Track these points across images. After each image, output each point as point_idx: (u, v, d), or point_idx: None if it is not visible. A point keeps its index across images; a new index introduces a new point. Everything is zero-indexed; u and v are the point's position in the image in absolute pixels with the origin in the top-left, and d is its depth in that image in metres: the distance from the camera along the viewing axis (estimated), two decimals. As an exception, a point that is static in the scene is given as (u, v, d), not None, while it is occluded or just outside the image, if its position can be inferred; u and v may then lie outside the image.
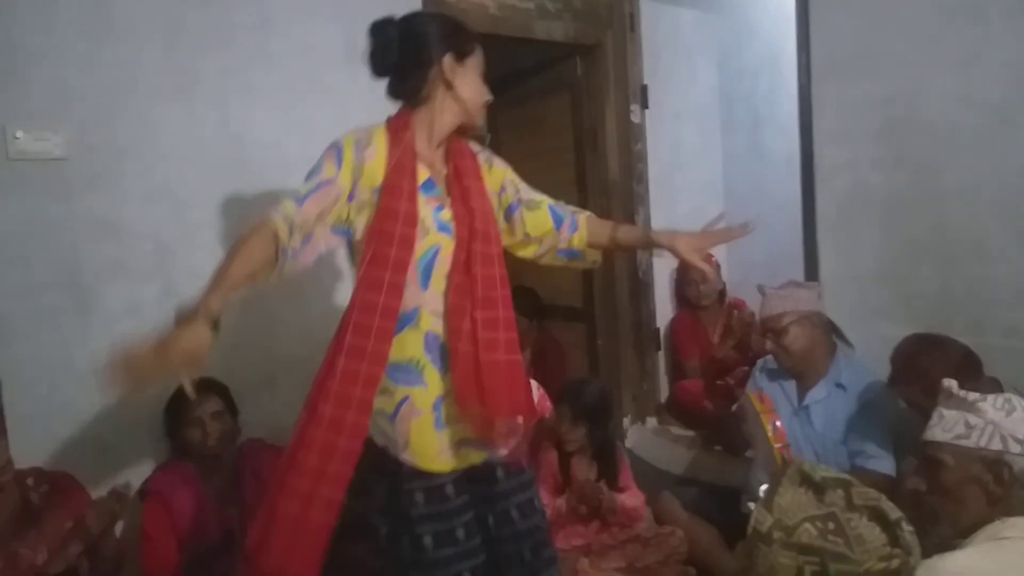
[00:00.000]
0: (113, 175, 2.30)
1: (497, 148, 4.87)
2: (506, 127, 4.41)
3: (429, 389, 1.62)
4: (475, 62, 1.72)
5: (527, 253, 1.88)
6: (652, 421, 3.76)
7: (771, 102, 3.84)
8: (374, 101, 2.73)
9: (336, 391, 1.51)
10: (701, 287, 3.78)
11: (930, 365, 2.06)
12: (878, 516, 1.23)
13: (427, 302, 1.62)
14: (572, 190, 3.82)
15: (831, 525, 1.21)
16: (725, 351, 3.69)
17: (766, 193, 3.86)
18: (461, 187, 1.70)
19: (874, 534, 1.22)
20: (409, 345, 1.60)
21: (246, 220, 2.47)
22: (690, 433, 3.57)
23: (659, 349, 3.88)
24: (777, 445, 2.24)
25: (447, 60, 1.66)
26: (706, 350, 3.75)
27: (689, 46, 3.98)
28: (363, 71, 2.86)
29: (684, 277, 3.87)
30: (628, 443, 3.57)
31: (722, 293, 3.87)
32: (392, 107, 1.74)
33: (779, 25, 3.53)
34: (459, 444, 1.64)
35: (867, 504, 1.23)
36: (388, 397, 1.60)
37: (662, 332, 3.92)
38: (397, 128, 1.68)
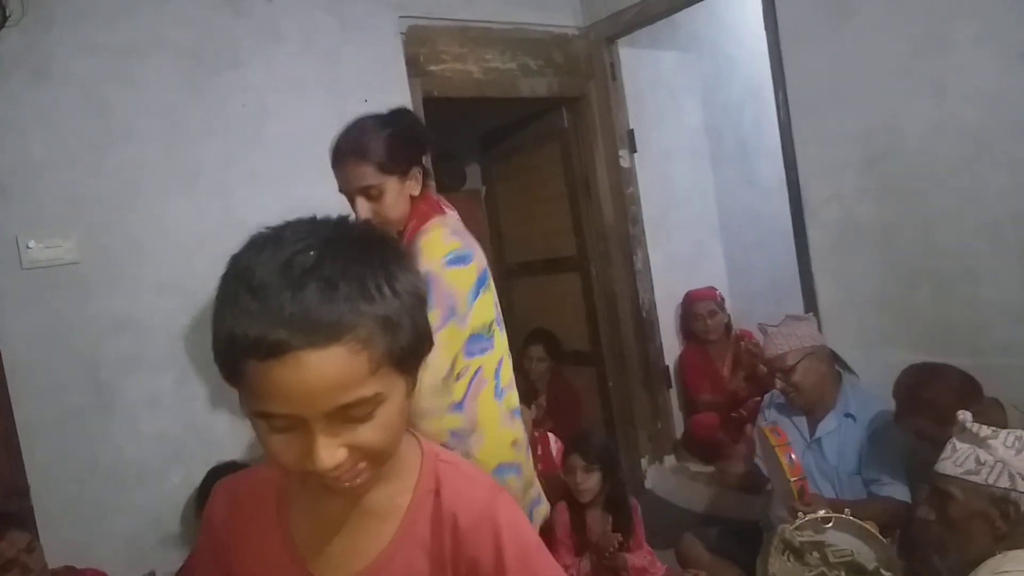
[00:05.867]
0: (125, 273, 2.39)
1: (492, 199, 4.98)
2: (500, 179, 4.51)
3: None
4: None
5: None
6: (670, 460, 3.78)
7: (758, 132, 3.91)
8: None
9: None
10: (708, 321, 3.83)
11: (933, 395, 2.11)
12: (856, 569, 1.26)
13: None
14: (569, 237, 3.90)
15: (831, 586, 1.25)
16: (736, 383, 3.74)
17: (762, 221, 3.92)
18: None
19: (862, 586, 1.26)
20: None
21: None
22: (708, 469, 3.58)
23: (670, 387, 3.91)
24: (793, 479, 2.27)
25: None
26: (716, 383, 3.79)
27: (672, 87, 4.07)
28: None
29: (689, 312, 3.92)
30: (648, 484, 3.59)
31: (728, 325, 3.90)
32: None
33: (758, 57, 3.57)
34: None
35: (842, 560, 1.27)
36: None
37: (672, 369, 3.95)
38: None
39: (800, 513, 1.99)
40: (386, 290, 0.73)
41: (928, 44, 2.46)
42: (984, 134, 2.36)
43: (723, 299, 3.94)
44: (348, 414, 0.73)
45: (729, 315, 3.93)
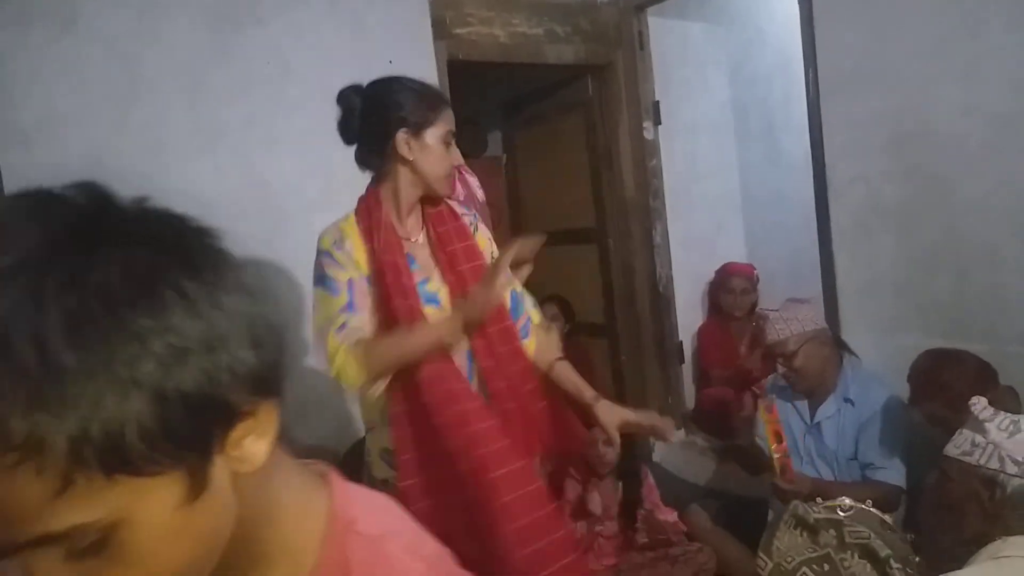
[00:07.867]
0: (145, 229, 2.40)
1: (513, 169, 4.97)
2: (521, 148, 4.49)
3: None
4: (437, 131, 1.66)
5: None
6: (679, 434, 3.80)
7: (786, 107, 3.82)
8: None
9: None
10: (739, 297, 3.81)
11: (949, 380, 2.09)
12: (869, 554, 1.28)
13: None
14: (589, 208, 3.88)
15: (827, 567, 1.27)
16: (752, 362, 3.72)
17: (785, 199, 3.86)
18: (446, 254, 1.71)
19: (866, 571, 1.27)
20: None
21: (273, 265, 2.62)
22: (717, 444, 3.60)
23: (682, 362, 3.91)
24: (777, 455, 2.28)
25: (401, 136, 1.64)
26: (731, 360, 3.78)
27: (700, 59, 4.01)
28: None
29: (722, 284, 3.89)
30: (656, 457, 3.61)
31: (754, 305, 3.88)
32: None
33: (788, 31, 3.51)
34: None
35: (858, 543, 1.28)
36: None
37: (687, 343, 3.95)
38: (368, 210, 1.68)
39: (819, 499, 1.98)
40: (88, 344, 0.42)
41: (960, 27, 2.41)
42: (1014, 119, 2.31)
43: (758, 279, 3.91)
44: (59, 550, 0.43)
45: (758, 295, 3.90)
